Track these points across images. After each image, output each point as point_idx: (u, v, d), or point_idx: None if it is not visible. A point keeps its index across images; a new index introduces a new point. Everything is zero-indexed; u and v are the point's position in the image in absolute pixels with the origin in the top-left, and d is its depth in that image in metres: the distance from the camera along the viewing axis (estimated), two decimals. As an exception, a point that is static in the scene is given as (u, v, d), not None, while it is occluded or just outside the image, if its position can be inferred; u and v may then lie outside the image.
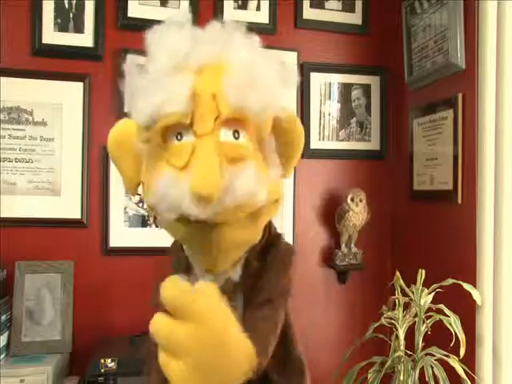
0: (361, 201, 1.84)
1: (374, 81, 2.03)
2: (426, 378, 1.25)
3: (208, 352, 0.52)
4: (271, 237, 0.79)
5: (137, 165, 0.71)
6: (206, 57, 0.65)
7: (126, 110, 0.69)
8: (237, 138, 0.65)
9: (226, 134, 0.64)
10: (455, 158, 1.56)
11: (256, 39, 0.70)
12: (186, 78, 0.62)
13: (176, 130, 0.63)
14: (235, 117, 0.63)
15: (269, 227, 0.79)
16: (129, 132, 0.70)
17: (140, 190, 0.74)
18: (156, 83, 0.63)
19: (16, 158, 1.70)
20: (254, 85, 0.63)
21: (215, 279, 0.71)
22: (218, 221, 0.62)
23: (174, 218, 0.62)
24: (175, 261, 0.83)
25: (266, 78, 0.65)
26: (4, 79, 1.68)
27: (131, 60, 0.67)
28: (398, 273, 1.39)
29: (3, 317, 1.55)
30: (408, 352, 1.33)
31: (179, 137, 0.64)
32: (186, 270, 0.78)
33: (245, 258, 0.75)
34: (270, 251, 0.77)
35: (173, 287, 0.53)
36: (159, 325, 0.53)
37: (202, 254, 0.72)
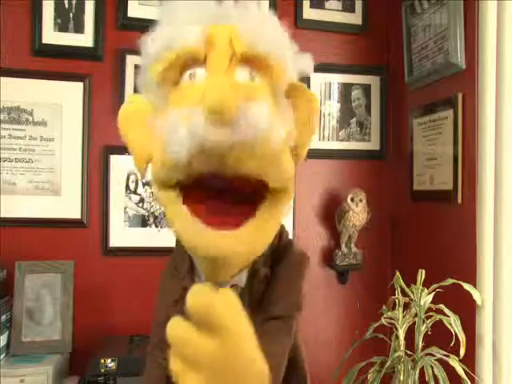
0: (361, 201, 1.84)
1: (373, 81, 2.02)
2: (426, 378, 1.25)
3: (230, 369, 0.49)
4: (283, 242, 0.76)
5: (146, 138, 0.65)
6: (220, 18, 0.62)
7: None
8: (252, 81, 0.61)
9: (241, 75, 0.60)
10: (455, 158, 1.56)
11: (272, 13, 0.67)
12: (202, 20, 0.60)
13: (188, 67, 0.60)
14: (250, 53, 0.59)
15: (280, 232, 0.76)
16: (137, 105, 0.67)
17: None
18: (171, 20, 0.60)
19: (16, 158, 1.70)
20: (268, 29, 0.60)
21: (219, 284, 0.70)
22: (233, 156, 0.55)
23: (186, 154, 0.55)
24: (172, 266, 0.79)
25: (279, 35, 0.62)
26: (4, 79, 1.68)
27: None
28: (397, 273, 1.39)
29: (3, 317, 1.55)
30: (408, 352, 1.33)
31: (192, 78, 0.60)
32: (188, 274, 0.74)
33: (252, 267, 0.71)
34: (281, 259, 0.74)
35: (199, 295, 0.50)
36: (178, 329, 0.49)
37: (205, 262, 0.66)
